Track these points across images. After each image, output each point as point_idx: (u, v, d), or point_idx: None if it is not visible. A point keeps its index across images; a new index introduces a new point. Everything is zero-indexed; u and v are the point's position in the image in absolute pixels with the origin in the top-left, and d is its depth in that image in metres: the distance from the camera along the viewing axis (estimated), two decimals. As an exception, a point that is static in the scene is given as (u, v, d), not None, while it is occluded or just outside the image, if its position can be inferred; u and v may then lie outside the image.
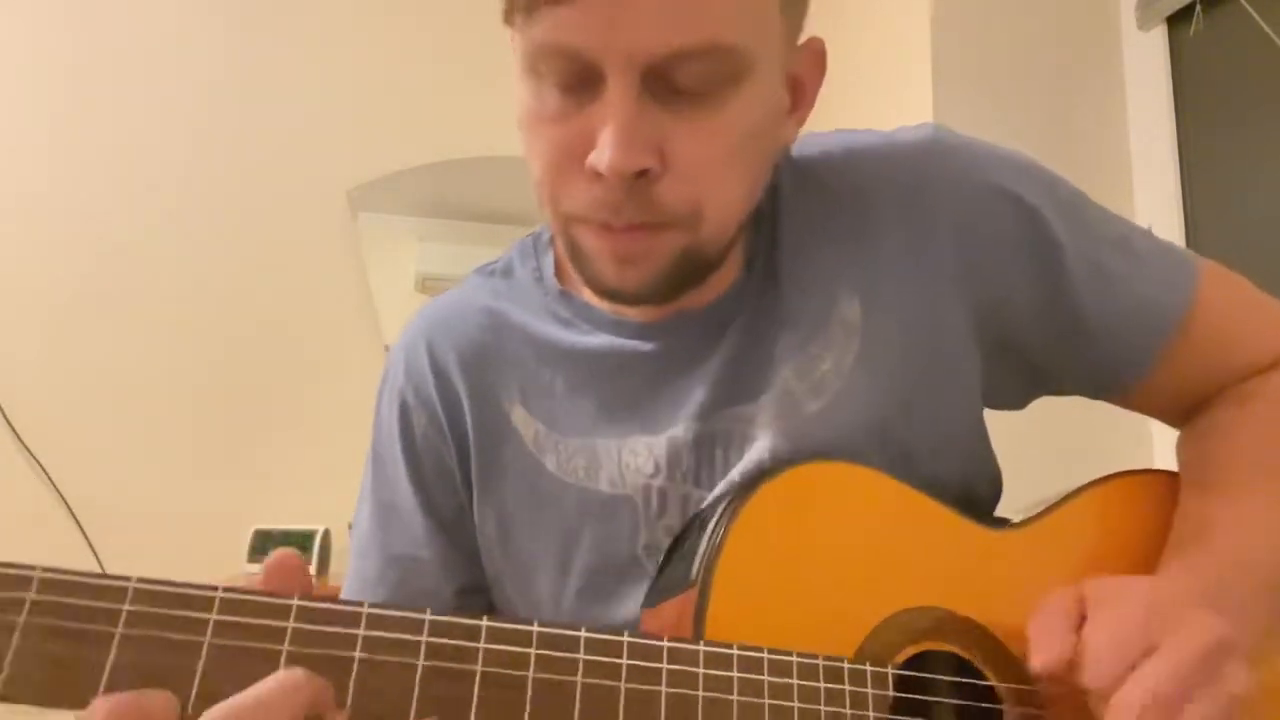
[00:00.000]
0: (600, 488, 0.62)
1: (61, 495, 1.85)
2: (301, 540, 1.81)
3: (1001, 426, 0.71)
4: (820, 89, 0.62)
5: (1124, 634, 0.48)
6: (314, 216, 2.11)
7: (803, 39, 0.59)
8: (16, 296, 1.90)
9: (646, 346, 0.63)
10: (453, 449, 0.66)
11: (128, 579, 0.38)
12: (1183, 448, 0.67)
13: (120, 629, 0.36)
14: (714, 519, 0.54)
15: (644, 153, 0.51)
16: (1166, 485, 0.64)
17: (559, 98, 0.53)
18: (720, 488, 0.60)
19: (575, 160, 0.52)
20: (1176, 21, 1.80)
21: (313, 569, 1.79)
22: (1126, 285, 0.64)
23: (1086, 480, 0.64)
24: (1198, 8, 1.73)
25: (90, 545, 1.85)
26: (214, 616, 0.37)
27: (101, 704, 0.34)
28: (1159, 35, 1.82)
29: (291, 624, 0.37)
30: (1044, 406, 0.73)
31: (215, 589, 0.38)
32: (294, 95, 2.14)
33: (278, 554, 0.40)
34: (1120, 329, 0.64)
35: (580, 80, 0.51)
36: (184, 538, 1.87)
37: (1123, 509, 0.63)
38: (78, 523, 1.86)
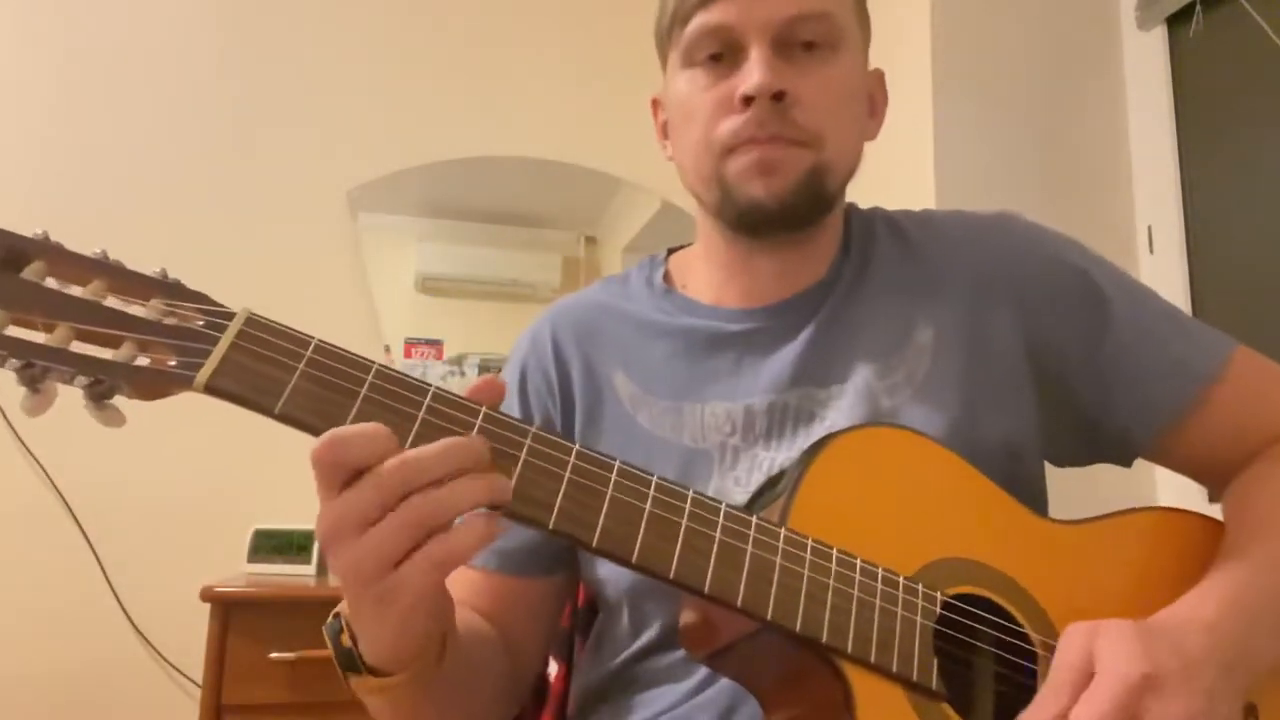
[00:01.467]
0: (684, 441, 0.73)
1: (61, 495, 1.85)
2: (301, 540, 1.81)
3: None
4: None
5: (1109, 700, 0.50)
6: (314, 216, 2.11)
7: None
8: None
9: (736, 327, 0.77)
10: (558, 404, 0.79)
11: (372, 362, 0.51)
12: (1227, 500, 0.73)
13: (364, 390, 0.50)
14: (800, 458, 0.61)
15: (782, 80, 0.69)
16: (1210, 529, 0.69)
17: (709, 72, 0.72)
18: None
19: (727, 106, 0.70)
20: (1176, 21, 1.80)
21: (313, 569, 1.79)
22: (1166, 343, 0.74)
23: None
24: (1198, 8, 1.73)
25: (90, 545, 1.85)
26: (427, 401, 0.50)
27: (373, 427, 0.48)
28: (1159, 35, 1.82)
29: (479, 423, 0.51)
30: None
31: (430, 386, 0.51)
32: (294, 95, 2.14)
33: (485, 378, 0.54)
34: (1159, 377, 0.73)
35: (727, 50, 0.71)
36: (184, 537, 1.87)
37: (1163, 534, 0.69)
38: (78, 523, 1.86)
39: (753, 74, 0.68)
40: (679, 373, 0.76)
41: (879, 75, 0.80)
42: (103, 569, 1.85)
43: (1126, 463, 0.78)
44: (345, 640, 0.56)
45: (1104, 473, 0.82)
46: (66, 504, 1.86)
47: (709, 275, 0.80)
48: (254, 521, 1.84)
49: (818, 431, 0.70)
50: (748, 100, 0.69)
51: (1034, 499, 0.75)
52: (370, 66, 2.19)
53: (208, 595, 1.53)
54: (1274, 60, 1.59)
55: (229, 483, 1.91)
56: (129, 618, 1.85)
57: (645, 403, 0.76)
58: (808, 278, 0.77)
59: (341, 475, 0.48)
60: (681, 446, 0.73)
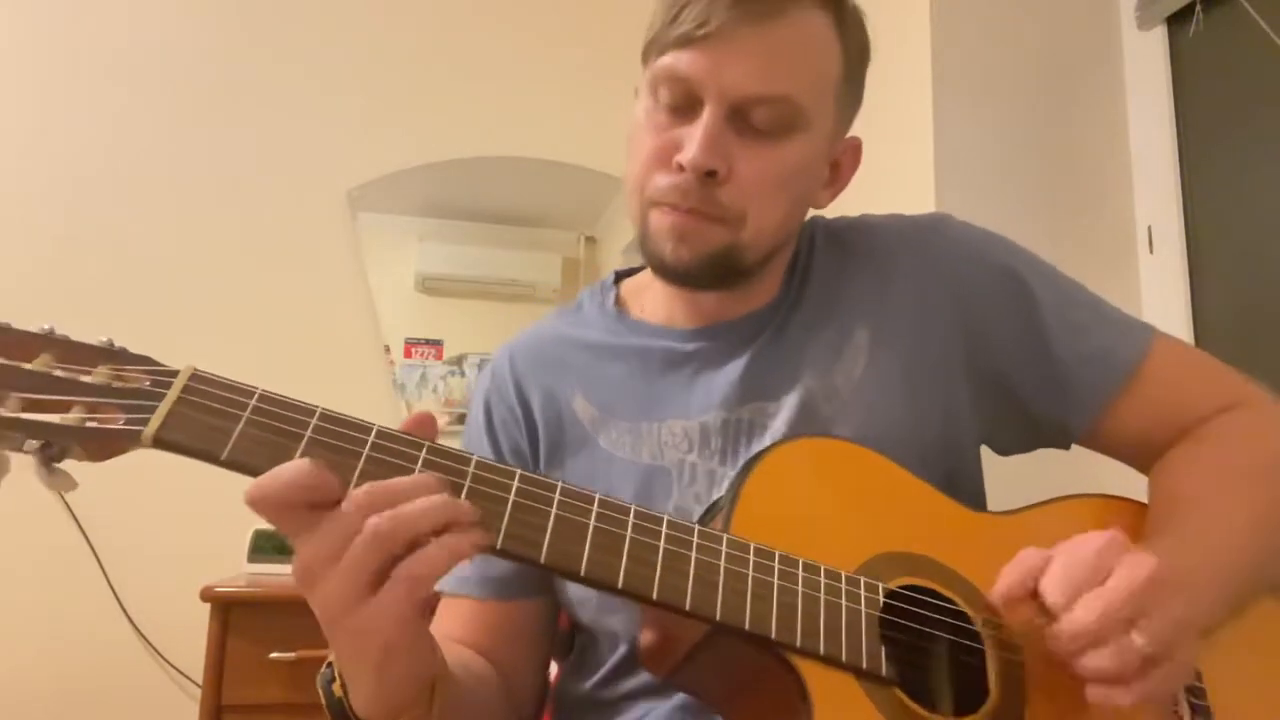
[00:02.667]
0: (643, 460, 0.76)
1: (62, 495, 1.85)
2: (301, 540, 1.81)
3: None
4: (852, 179, 0.81)
5: (1077, 565, 0.56)
6: (314, 216, 2.11)
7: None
8: (16, 297, 1.90)
9: (688, 347, 0.79)
10: (524, 433, 0.82)
11: (316, 406, 0.53)
12: (1151, 480, 0.77)
13: (308, 434, 0.52)
14: (737, 474, 0.64)
15: (717, 158, 0.69)
16: (1141, 513, 0.73)
17: (666, 114, 0.72)
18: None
19: (666, 159, 0.71)
20: (1176, 21, 1.80)
21: (313, 569, 1.79)
22: (1092, 332, 0.78)
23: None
24: (1198, 8, 1.73)
25: (90, 545, 1.85)
26: (371, 439, 0.53)
27: (296, 462, 0.50)
28: (1159, 35, 1.82)
29: (423, 455, 0.53)
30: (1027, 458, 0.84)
31: (373, 425, 0.53)
32: (294, 95, 2.14)
33: (416, 414, 0.55)
34: (1086, 365, 0.77)
35: (685, 103, 0.71)
36: (184, 538, 1.87)
37: (1096, 518, 0.72)
38: (78, 522, 1.86)
39: (691, 145, 0.69)
40: (636, 393, 0.78)
41: (852, 144, 0.80)
42: (103, 569, 1.85)
43: (1065, 447, 0.82)
44: (337, 690, 0.57)
45: (1053, 464, 0.86)
46: (66, 504, 1.86)
47: (662, 295, 0.82)
48: (254, 521, 1.83)
49: (766, 444, 0.72)
50: (682, 166, 0.70)
51: (972, 492, 0.80)
52: (370, 66, 2.19)
53: (208, 595, 1.54)
54: (1274, 60, 1.59)
55: (229, 483, 1.90)
56: (129, 618, 1.85)
57: (604, 424, 0.78)
58: (754, 302, 0.80)
59: (286, 514, 0.50)
60: (641, 465, 0.75)
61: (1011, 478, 0.88)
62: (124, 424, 0.50)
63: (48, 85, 2.02)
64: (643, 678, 0.73)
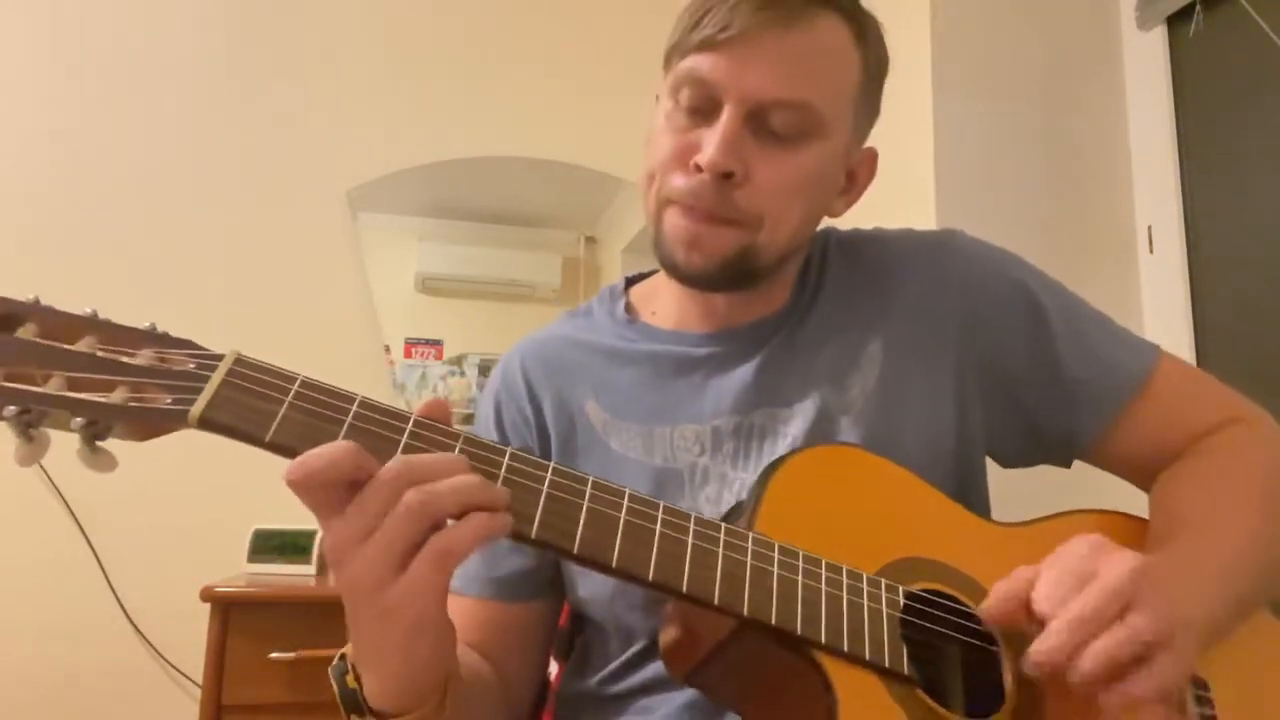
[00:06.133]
0: (655, 462, 0.76)
1: (61, 495, 1.85)
2: (301, 540, 1.81)
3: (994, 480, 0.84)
4: (868, 188, 0.82)
5: (1065, 573, 0.57)
6: (314, 216, 2.11)
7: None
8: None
9: (699, 352, 0.79)
10: (535, 434, 0.82)
11: (356, 394, 0.54)
12: (1151, 495, 0.77)
13: (349, 419, 0.53)
14: (759, 478, 0.64)
15: (734, 160, 0.69)
16: (1139, 528, 0.74)
17: (685, 116, 0.72)
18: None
19: (683, 160, 0.71)
20: (1176, 21, 1.80)
21: (313, 569, 1.79)
22: (1099, 349, 0.79)
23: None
24: (1198, 8, 1.73)
25: (90, 545, 1.85)
26: (409, 427, 0.53)
27: (341, 442, 0.51)
28: (1159, 35, 1.82)
29: (459, 445, 0.54)
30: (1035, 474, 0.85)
31: (411, 414, 0.54)
32: (294, 95, 2.14)
33: (430, 400, 0.56)
34: (1093, 381, 0.78)
35: (705, 106, 0.71)
36: (184, 538, 1.87)
37: (1098, 530, 0.71)
38: (78, 523, 1.86)
39: (709, 147, 0.69)
40: (648, 397, 0.79)
41: (869, 154, 0.81)
42: (103, 569, 1.85)
43: (1066, 464, 0.83)
44: (350, 681, 0.57)
45: (1057, 478, 0.86)
46: (66, 504, 1.86)
47: (673, 299, 0.83)
48: (254, 521, 1.84)
49: (781, 450, 0.73)
50: (699, 166, 0.70)
51: (980, 501, 0.81)
52: (370, 66, 2.19)
53: (208, 595, 1.54)
54: (1274, 60, 1.59)
55: (229, 483, 1.90)
56: (129, 618, 1.85)
57: (617, 428, 0.78)
58: (767, 307, 0.80)
59: (325, 493, 0.50)
60: (653, 467, 0.76)
61: (1011, 489, 0.88)
62: (170, 403, 0.51)
63: (48, 85, 2.02)
64: (650, 674, 0.73)
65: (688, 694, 0.70)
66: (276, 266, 2.06)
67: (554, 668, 0.88)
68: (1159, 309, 1.73)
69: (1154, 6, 1.81)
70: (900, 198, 1.71)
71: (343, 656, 0.58)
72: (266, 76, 2.13)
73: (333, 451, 0.49)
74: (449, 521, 0.51)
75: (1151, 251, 1.79)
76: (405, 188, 2.16)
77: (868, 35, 0.75)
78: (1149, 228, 1.80)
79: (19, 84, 2.00)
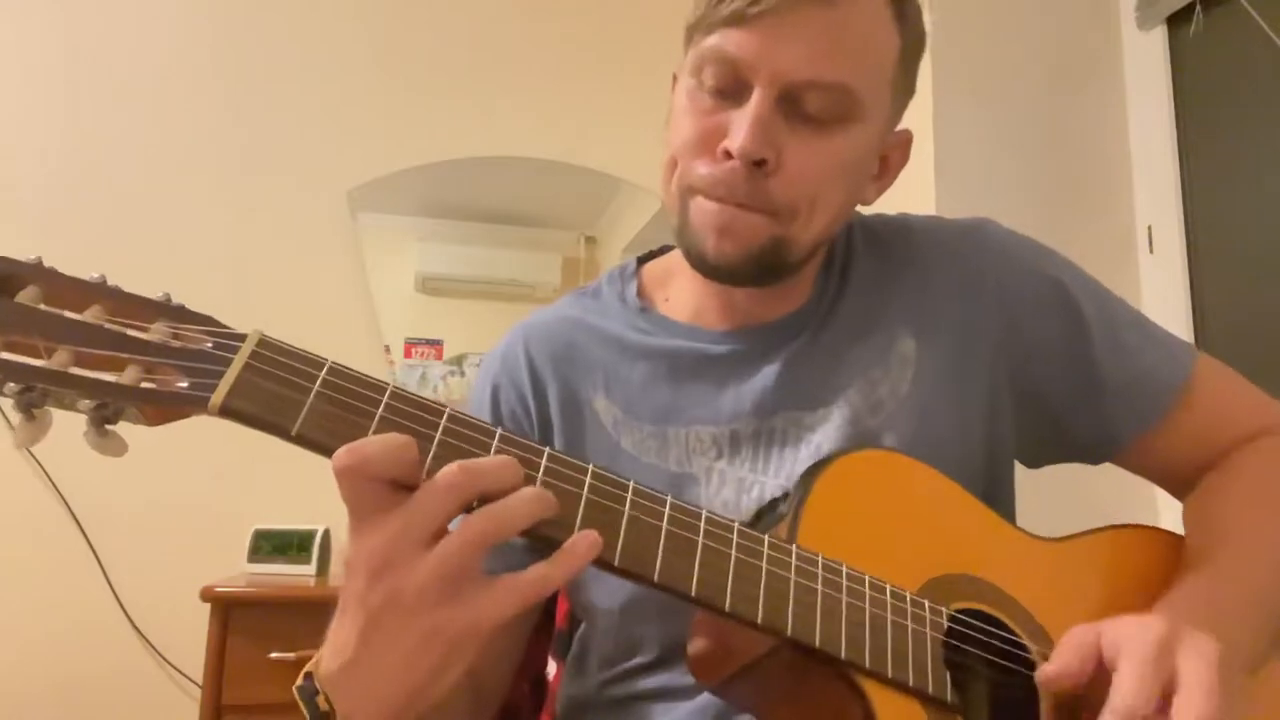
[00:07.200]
0: (669, 466, 0.72)
1: (61, 495, 1.85)
2: (301, 540, 1.81)
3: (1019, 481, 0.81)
4: (901, 172, 0.76)
5: (1147, 666, 0.52)
6: (314, 216, 2.11)
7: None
8: (16, 296, 1.90)
9: (718, 349, 0.75)
10: (535, 424, 0.77)
11: (386, 384, 0.50)
12: (1186, 509, 0.75)
13: (380, 411, 0.49)
14: (800, 481, 0.62)
15: (767, 147, 0.64)
16: (1175, 544, 0.72)
17: (710, 98, 0.67)
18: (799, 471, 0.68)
19: (710, 145, 0.66)
20: (1176, 21, 1.80)
21: (313, 569, 1.79)
22: (1137, 354, 0.75)
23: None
24: (1198, 8, 1.73)
25: (90, 545, 1.85)
26: (443, 422, 0.50)
27: (396, 435, 0.47)
28: (1159, 35, 1.82)
29: (495, 442, 0.50)
30: (1060, 475, 0.83)
31: (445, 407, 0.51)
32: (294, 95, 2.14)
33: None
34: (1130, 387, 0.75)
35: (731, 87, 0.65)
36: (184, 538, 1.87)
37: (1142, 549, 0.71)
38: (78, 523, 1.86)
39: (739, 132, 0.64)
40: (661, 396, 0.74)
41: (903, 137, 0.76)
42: (103, 569, 1.85)
43: (1097, 462, 0.80)
44: (322, 702, 0.53)
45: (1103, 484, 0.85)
46: (67, 504, 1.86)
47: (689, 288, 0.78)
48: (254, 521, 1.84)
49: (804, 454, 0.70)
50: (729, 153, 0.65)
51: (1007, 505, 0.78)
52: (370, 66, 2.19)
53: (208, 595, 1.54)
54: (1274, 60, 1.59)
55: (229, 483, 1.91)
56: (129, 618, 1.85)
57: (628, 427, 0.74)
58: (789, 303, 0.76)
59: (371, 487, 0.46)
60: (667, 471, 0.72)
61: (1027, 486, 0.87)
62: (188, 388, 0.46)
63: (47, 86, 2.01)
64: (657, 683, 0.70)
65: (696, 703, 0.68)
66: (277, 266, 2.06)
67: (553, 668, 0.87)
68: (1159, 309, 1.73)
69: (1154, 6, 1.81)
70: (900, 197, 1.71)
71: (308, 675, 0.54)
72: (267, 77, 2.13)
73: (391, 443, 0.45)
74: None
75: (1151, 251, 1.79)
76: (405, 188, 2.16)
77: (907, 10, 0.70)
78: (1149, 228, 1.80)
79: (16, 84, 2.00)
